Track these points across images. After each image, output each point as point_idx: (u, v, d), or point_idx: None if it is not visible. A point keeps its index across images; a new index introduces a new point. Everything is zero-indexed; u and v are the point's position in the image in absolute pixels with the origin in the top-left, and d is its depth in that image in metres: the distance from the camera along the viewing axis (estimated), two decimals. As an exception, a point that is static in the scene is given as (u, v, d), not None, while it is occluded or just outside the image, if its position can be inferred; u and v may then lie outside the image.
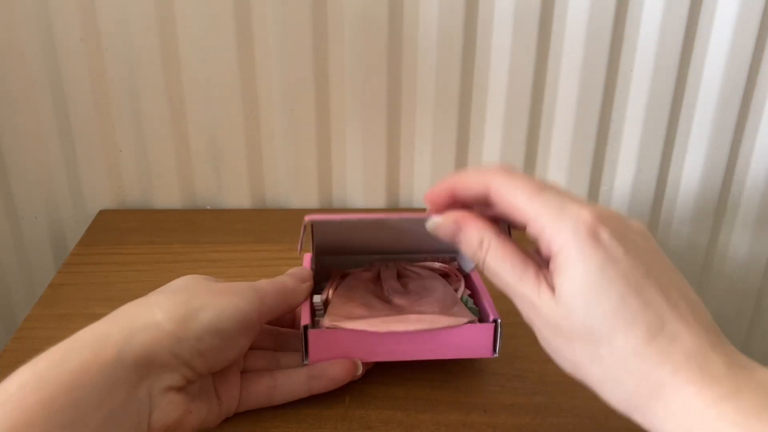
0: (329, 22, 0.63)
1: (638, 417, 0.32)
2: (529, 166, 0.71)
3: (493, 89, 0.67)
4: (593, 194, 0.73)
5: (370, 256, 0.50)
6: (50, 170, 0.69)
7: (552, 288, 0.34)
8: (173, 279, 0.58)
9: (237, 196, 0.71)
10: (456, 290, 0.48)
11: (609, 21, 0.64)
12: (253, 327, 0.39)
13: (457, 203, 0.38)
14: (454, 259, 0.52)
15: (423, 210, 0.40)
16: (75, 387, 0.31)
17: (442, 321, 0.42)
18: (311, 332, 0.42)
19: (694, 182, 0.72)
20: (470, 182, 0.37)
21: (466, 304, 0.46)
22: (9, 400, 0.29)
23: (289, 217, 0.70)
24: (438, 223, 0.37)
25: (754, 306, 0.77)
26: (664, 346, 0.32)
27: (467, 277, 0.50)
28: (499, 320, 0.43)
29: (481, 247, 0.36)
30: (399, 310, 0.44)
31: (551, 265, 0.35)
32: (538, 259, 0.36)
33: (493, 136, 0.69)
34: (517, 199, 0.35)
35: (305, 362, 0.43)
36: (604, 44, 0.65)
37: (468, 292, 0.48)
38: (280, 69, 0.65)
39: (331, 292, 0.47)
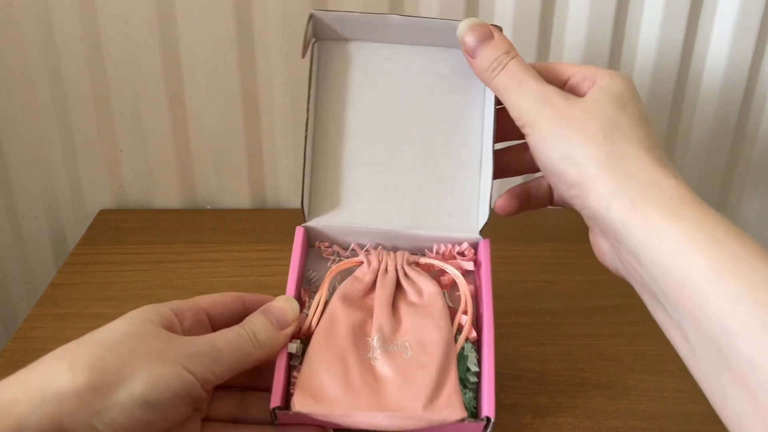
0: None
1: (617, 192, 0.33)
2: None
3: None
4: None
5: (371, 229, 0.45)
6: (50, 170, 0.69)
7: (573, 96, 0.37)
8: (173, 279, 0.58)
9: (237, 196, 0.71)
10: (459, 328, 0.41)
11: (609, 21, 0.64)
12: (197, 395, 0.34)
13: None
14: (472, 249, 0.45)
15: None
16: None
17: (422, 422, 0.36)
18: (281, 415, 0.37)
19: (697, 179, 0.72)
20: (537, 66, 0.39)
21: (465, 361, 0.40)
22: None
23: (289, 216, 0.69)
24: (474, 23, 0.38)
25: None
26: (665, 161, 0.36)
27: (477, 290, 0.44)
28: (492, 419, 0.37)
29: (508, 54, 0.37)
30: (378, 389, 0.38)
31: (584, 91, 0.37)
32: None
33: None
34: (573, 65, 0.39)
35: (276, 421, 0.38)
36: (605, 44, 0.65)
37: (473, 335, 0.41)
38: (280, 69, 0.65)
39: (314, 321, 0.40)
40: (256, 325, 0.37)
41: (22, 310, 0.74)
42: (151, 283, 0.57)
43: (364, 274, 0.43)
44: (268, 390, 0.37)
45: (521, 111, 0.36)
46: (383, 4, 0.63)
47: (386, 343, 0.39)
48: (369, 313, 0.41)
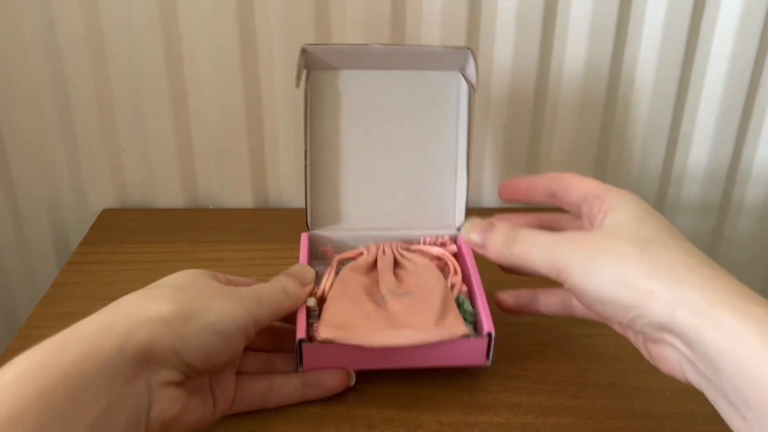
0: (332, 21, 0.64)
1: (678, 300, 0.32)
2: (531, 166, 0.71)
3: (495, 91, 0.67)
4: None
5: (365, 232, 0.53)
6: (53, 170, 0.69)
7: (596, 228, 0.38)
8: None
9: (239, 196, 0.71)
10: (453, 286, 0.48)
11: (612, 21, 0.64)
12: (250, 333, 0.39)
13: (529, 193, 0.44)
14: (452, 241, 0.53)
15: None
16: (72, 378, 0.30)
17: (435, 335, 0.42)
18: (305, 346, 0.43)
19: (697, 180, 0.72)
20: (546, 176, 0.43)
21: (462, 305, 0.46)
22: (4, 389, 0.29)
23: (292, 216, 0.70)
24: (474, 222, 0.41)
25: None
26: (709, 260, 0.34)
27: (463, 264, 0.51)
28: (493, 334, 0.43)
29: (513, 229, 0.39)
30: (393, 319, 0.44)
31: (603, 213, 0.38)
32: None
33: (495, 138, 0.69)
34: (584, 181, 0.41)
35: (300, 369, 0.44)
36: (607, 44, 0.65)
37: (465, 288, 0.48)
38: (282, 68, 0.65)
39: (327, 287, 0.47)
40: (282, 281, 0.44)
41: (25, 309, 0.74)
42: (153, 282, 0.57)
43: (365, 257, 0.50)
44: (291, 351, 0.44)
45: (550, 262, 0.36)
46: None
47: (393, 293, 0.46)
48: (374, 280, 0.48)
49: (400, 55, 0.51)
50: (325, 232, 0.53)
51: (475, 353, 0.44)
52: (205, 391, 0.39)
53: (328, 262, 0.52)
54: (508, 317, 0.49)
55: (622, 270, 0.34)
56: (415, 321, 0.43)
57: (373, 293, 0.47)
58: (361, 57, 0.51)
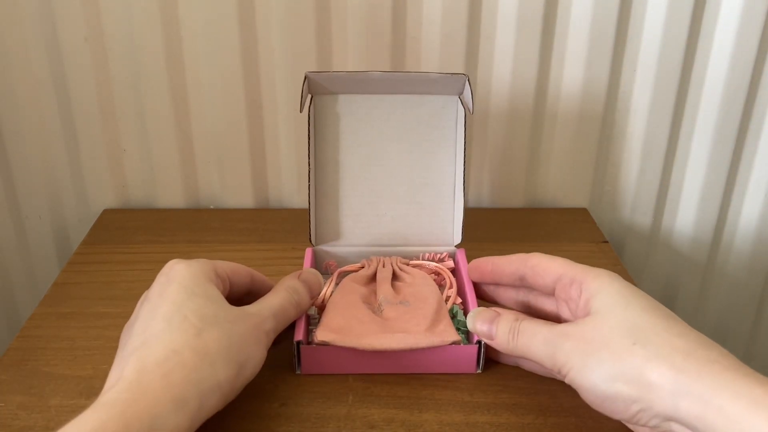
0: (332, 21, 0.64)
1: (680, 391, 0.32)
2: (531, 174, 0.71)
3: (496, 90, 0.67)
4: (596, 190, 0.73)
5: (367, 248, 0.56)
6: (54, 169, 0.69)
7: (584, 316, 0.38)
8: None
9: (240, 196, 0.71)
10: (448, 298, 0.50)
11: (612, 22, 0.64)
12: None
13: (494, 275, 0.46)
14: (449, 257, 0.56)
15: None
16: None
17: (426, 341, 0.44)
18: (303, 348, 0.45)
19: (699, 178, 0.72)
20: (512, 259, 0.44)
21: (455, 316, 0.48)
22: None
23: (292, 216, 0.70)
24: (478, 312, 0.44)
25: (756, 307, 0.77)
26: (701, 338, 0.35)
27: (458, 278, 0.53)
28: (482, 342, 0.45)
29: (517, 320, 0.41)
30: (387, 324, 0.46)
31: (584, 300, 0.39)
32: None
33: (496, 139, 0.69)
34: (554, 263, 0.42)
35: (297, 371, 0.46)
36: (608, 45, 0.65)
37: (459, 300, 0.50)
38: (283, 68, 0.65)
39: (327, 295, 0.49)
40: (300, 292, 0.45)
41: (26, 309, 0.74)
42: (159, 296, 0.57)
43: (365, 270, 0.52)
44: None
45: (551, 358, 0.38)
46: (386, 4, 0.63)
47: (389, 302, 0.48)
48: (373, 291, 0.50)
49: (399, 81, 0.53)
50: (328, 248, 0.56)
51: (465, 361, 0.46)
52: None
53: (331, 270, 0.55)
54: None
55: (619, 365, 0.34)
56: (408, 327, 0.45)
57: (371, 302, 0.49)
58: (361, 83, 0.53)
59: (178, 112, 0.67)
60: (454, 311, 0.49)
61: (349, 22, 0.64)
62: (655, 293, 0.77)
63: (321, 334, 0.44)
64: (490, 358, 0.47)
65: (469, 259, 0.54)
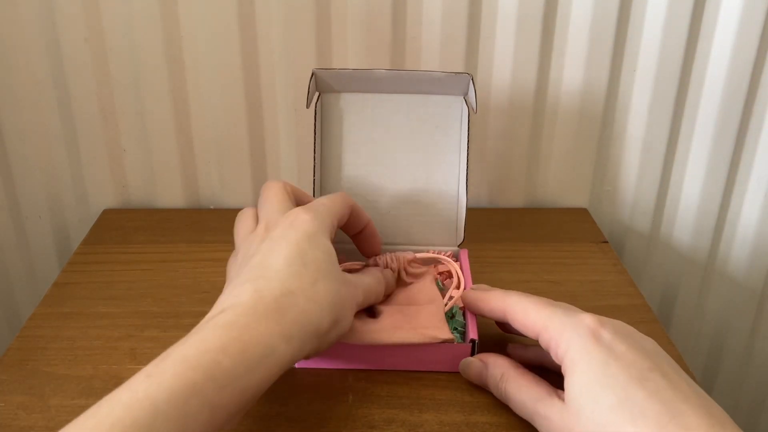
0: (332, 20, 0.64)
1: None
2: (531, 174, 0.71)
3: (496, 89, 0.67)
4: (596, 190, 0.73)
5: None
6: (54, 169, 0.69)
7: (563, 397, 0.37)
8: (177, 278, 0.59)
9: (240, 196, 0.71)
10: (451, 298, 0.50)
11: (612, 22, 0.64)
12: None
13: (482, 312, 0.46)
14: (453, 257, 0.55)
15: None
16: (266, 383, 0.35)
17: (417, 337, 0.45)
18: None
19: (697, 184, 0.72)
20: (491, 304, 0.45)
21: (454, 316, 0.48)
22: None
23: (293, 216, 0.70)
24: (469, 361, 0.45)
25: (756, 307, 0.77)
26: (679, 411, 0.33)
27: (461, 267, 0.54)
28: (476, 340, 0.45)
29: (503, 380, 0.42)
30: (383, 324, 0.46)
31: (562, 371, 0.38)
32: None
33: (496, 139, 0.69)
34: (528, 317, 0.41)
35: (294, 365, 0.46)
36: (607, 45, 0.65)
37: (461, 304, 0.50)
38: (283, 68, 0.65)
39: None
40: (383, 285, 0.48)
41: (26, 309, 0.74)
42: (154, 282, 0.57)
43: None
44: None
45: (522, 412, 0.41)
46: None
47: (389, 308, 0.48)
48: None
49: (404, 79, 0.54)
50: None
51: (459, 359, 0.46)
52: None
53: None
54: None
55: None
56: (402, 325, 0.46)
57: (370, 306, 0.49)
58: (366, 81, 0.54)
59: (178, 112, 0.67)
60: (453, 311, 0.49)
61: (349, 22, 0.64)
62: (655, 293, 0.77)
63: None
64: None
65: (471, 258, 0.55)
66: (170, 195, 0.71)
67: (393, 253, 0.52)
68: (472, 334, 0.46)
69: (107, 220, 0.69)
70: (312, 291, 0.38)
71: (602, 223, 0.73)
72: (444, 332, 0.45)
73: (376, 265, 0.51)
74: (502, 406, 0.44)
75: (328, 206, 0.44)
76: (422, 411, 0.43)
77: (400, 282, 0.51)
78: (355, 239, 0.51)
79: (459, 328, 0.48)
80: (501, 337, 0.48)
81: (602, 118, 0.69)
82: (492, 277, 0.57)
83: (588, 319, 0.38)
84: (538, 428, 0.39)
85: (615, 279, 0.59)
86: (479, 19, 0.64)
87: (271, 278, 0.38)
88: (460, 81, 0.53)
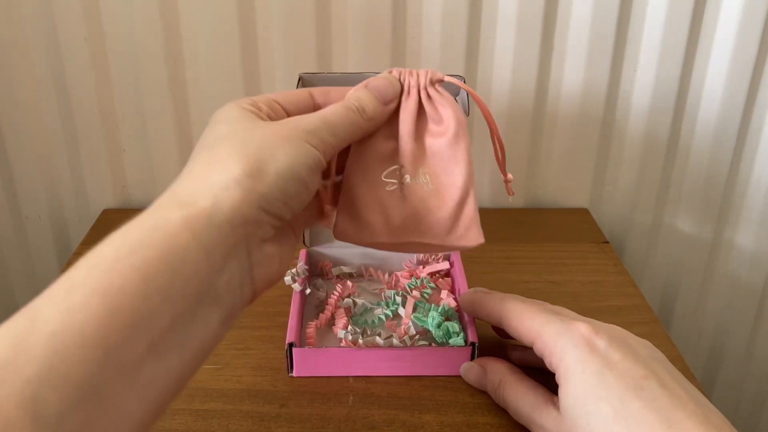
0: (332, 21, 0.63)
1: None
2: (531, 174, 0.71)
3: (496, 90, 0.67)
4: (596, 190, 0.73)
5: (362, 250, 0.53)
6: (54, 169, 0.69)
7: (558, 406, 0.37)
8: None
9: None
10: (440, 301, 0.49)
11: (612, 22, 0.64)
12: (323, 167, 0.36)
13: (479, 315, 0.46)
14: (445, 260, 0.55)
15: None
16: (170, 253, 0.28)
17: (445, 247, 0.40)
18: (296, 350, 0.45)
19: (699, 178, 0.71)
20: (488, 309, 0.44)
21: (449, 330, 0.48)
22: (102, 262, 0.28)
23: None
24: (469, 366, 0.45)
25: (757, 307, 0.77)
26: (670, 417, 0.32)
27: (454, 280, 0.53)
28: (476, 343, 0.46)
29: (501, 386, 0.42)
30: (407, 216, 0.40)
31: (556, 380, 0.37)
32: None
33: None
34: (523, 323, 0.40)
35: (290, 374, 0.46)
36: (608, 45, 0.65)
37: (456, 306, 0.50)
38: (283, 68, 0.65)
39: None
40: (362, 99, 0.38)
41: (26, 309, 0.74)
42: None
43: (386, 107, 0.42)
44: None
45: (519, 419, 0.41)
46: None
47: (410, 175, 0.40)
48: (393, 136, 0.40)
49: None
50: (322, 249, 0.56)
51: (459, 362, 0.46)
52: (289, 233, 0.37)
53: (326, 277, 0.56)
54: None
55: None
56: (427, 225, 0.40)
57: (393, 159, 0.40)
58: (355, 85, 0.52)
59: (177, 111, 0.67)
60: (446, 310, 0.49)
61: (349, 22, 0.63)
62: (655, 293, 0.77)
63: (341, 226, 0.40)
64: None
65: (464, 261, 0.55)
66: (170, 195, 0.71)
67: (416, 69, 0.41)
68: (472, 337, 0.46)
69: (107, 220, 0.69)
70: (209, 155, 0.34)
71: (603, 223, 0.73)
72: (474, 236, 0.40)
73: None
74: (502, 408, 0.44)
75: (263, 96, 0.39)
76: (423, 412, 0.43)
77: (420, 109, 0.41)
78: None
79: (458, 333, 0.48)
80: (500, 339, 0.48)
81: (603, 119, 0.69)
82: (492, 277, 0.57)
83: (583, 328, 0.38)
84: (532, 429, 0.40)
85: (615, 279, 0.59)
86: (479, 19, 0.64)
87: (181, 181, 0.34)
88: (453, 83, 0.53)
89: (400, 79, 0.40)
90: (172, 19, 0.63)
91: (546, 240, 0.65)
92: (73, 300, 0.27)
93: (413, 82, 0.40)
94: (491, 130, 0.42)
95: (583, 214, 0.72)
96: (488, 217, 0.71)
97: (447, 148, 0.40)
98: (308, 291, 0.52)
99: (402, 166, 0.40)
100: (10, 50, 0.63)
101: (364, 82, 0.39)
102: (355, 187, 0.40)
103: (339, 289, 0.52)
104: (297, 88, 0.50)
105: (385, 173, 0.40)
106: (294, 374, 0.46)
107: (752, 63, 0.66)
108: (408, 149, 0.40)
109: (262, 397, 0.44)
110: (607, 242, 0.65)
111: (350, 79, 0.51)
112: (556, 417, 0.37)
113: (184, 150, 0.69)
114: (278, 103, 0.38)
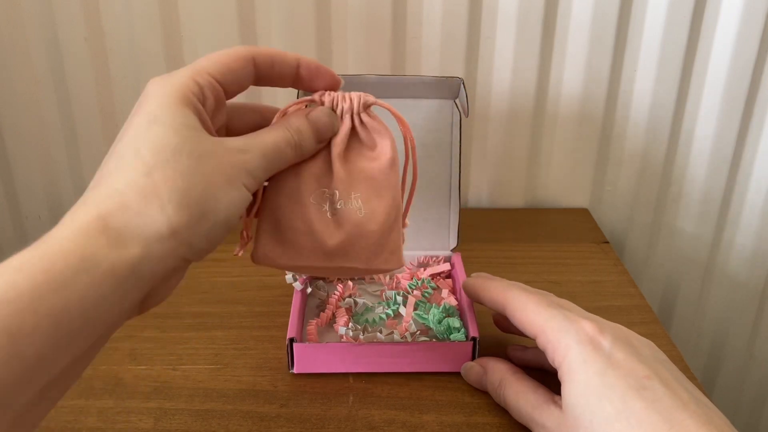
0: (332, 21, 0.63)
1: None
2: (531, 174, 0.71)
3: (496, 90, 0.67)
4: (596, 190, 0.73)
5: None
6: (54, 169, 0.69)
7: (560, 405, 0.37)
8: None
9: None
10: (442, 299, 0.50)
11: (612, 22, 0.64)
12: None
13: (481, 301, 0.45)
14: (446, 261, 0.55)
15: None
16: (89, 300, 0.27)
17: (367, 271, 0.40)
18: (297, 346, 0.45)
19: (699, 178, 0.71)
20: (492, 296, 0.43)
21: (449, 326, 0.48)
22: (18, 299, 0.26)
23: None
24: (469, 366, 0.45)
25: (757, 307, 0.77)
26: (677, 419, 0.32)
27: (455, 280, 0.54)
28: (477, 338, 0.46)
29: (501, 385, 0.42)
30: (334, 241, 0.38)
31: (559, 377, 0.37)
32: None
33: (496, 139, 0.69)
34: (527, 316, 0.40)
35: (291, 370, 0.46)
36: (608, 46, 0.65)
37: (457, 305, 0.50)
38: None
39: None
40: (303, 134, 0.37)
41: (26, 309, 0.74)
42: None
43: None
44: None
45: (520, 418, 0.41)
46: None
47: (343, 200, 0.39)
48: (323, 158, 0.39)
49: (394, 84, 0.53)
50: None
51: (459, 358, 0.46)
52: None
53: (327, 278, 0.55)
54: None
55: None
56: (357, 250, 0.39)
57: (321, 182, 0.39)
58: (357, 87, 0.52)
59: (178, 112, 0.67)
60: (450, 311, 0.49)
61: (349, 23, 0.63)
62: (655, 293, 0.77)
63: (263, 249, 0.39)
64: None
65: (465, 261, 0.55)
66: (170, 195, 0.71)
67: (349, 93, 0.40)
68: (473, 332, 0.46)
69: (107, 220, 0.68)
70: (147, 182, 0.30)
71: (603, 223, 0.73)
72: (394, 261, 0.39)
73: (322, 103, 0.40)
74: (502, 408, 0.44)
75: (192, 64, 0.36)
76: (423, 412, 0.43)
77: (353, 133, 0.40)
78: (298, 88, 0.40)
79: (459, 329, 0.48)
80: (501, 336, 0.48)
81: (603, 119, 0.69)
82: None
83: (588, 326, 0.37)
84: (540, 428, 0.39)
85: (615, 279, 0.59)
86: (479, 19, 0.64)
87: (101, 184, 0.31)
88: (451, 85, 0.53)
89: (333, 106, 0.40)
90: (172, 19, 0.63)
91: (546, 240, 0.65)
92: None
93: (347, 107, 0.40)
94: (414, 164, 0.42)
95: (583, 214, 0.72)
96: (488, 217, 0.71)
97: (380, 173, 0.39)
98: (309, 290, 0.52)
99: (335, 191, 0.39)
100: (10, 50, 0.63)
101: (310, 116, 0.38)
102: (281, 209, 0.38)
103: (340, 289, 0.52)
104: (298, 90, 0.49)
105: (313, 196, 0.38)
106: (294, 371, 0.46)
107: (752, 63, 0.66)
108: (341, 174, 0.39)
109: (262, 397, 0.44)
110: (607, 242, 0.65)
111: (350, 82, 0.52)
112: (558, 415, 0.37)
113: (184, 150, 0.69)
114: (219, 83, 0.36)
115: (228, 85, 0.36)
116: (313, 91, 0.40)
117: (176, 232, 0.30)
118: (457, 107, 0.54)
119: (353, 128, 0.40)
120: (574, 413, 0.35)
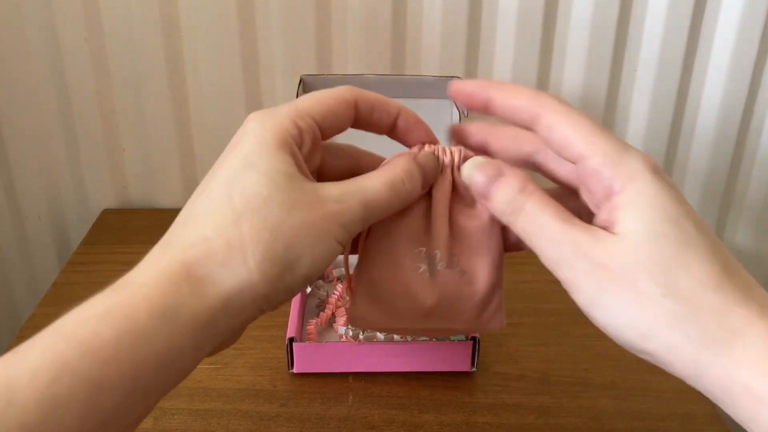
0: (332, 22, 0.63)
1: (705, 361, 0.28)
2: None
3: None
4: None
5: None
6: (54, 169, 0.69)
7: (606, 228, 0.31)
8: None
9: (240, 196, 0.71)
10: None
11: (612, 22, 0.64)
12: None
13: (488, 111, 0.34)
14: None
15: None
16: (168, 353, 0.27)
17: (468, 331, 0.39)
18: (296, 345, 0.45)
19: (699, 177, 0.71)
20: (518, 101, 0.33)
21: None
22: (100, 350, 0.26)
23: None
24: (480, 162, 0.34)
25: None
26: (742, 286, 0.30)
27: None
28: (477, 338, 0.45)
29: (523, 192, 0.32)
30: (434, 302, 0.36)
31: (610, 204, 0.31)
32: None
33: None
34: (577, 133, 0.32)
35: (291, 370, 0.46)
36: (608, 45, 0.65)
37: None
38: (283, 69, 0.65)
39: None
40: (413, 175, 0.34)
41: (26, 309, 0.74)
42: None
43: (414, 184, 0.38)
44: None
45: (554, 265, 0.31)
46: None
47: (445, 261, 0.36)
48: (422, 214, 0.37)
49: (394, 84, 0.53)
50: None
51: (460, 358, 0.46)
52: None
53: (327, 279, 0.55)
54: (511, 317, 0.49)
55: (639, 315, 0.29)
56: (456, 311, 0.37)
57: (420, 239, 0.36)
58: (357, 87, 0.52)
59: (177, 111, 0.67)
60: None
61: (349, 23, 0.63)
62: (656, 293, 0.77)
63: (360, 311, 0.36)
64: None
65: None
66: (170, 195, 0.71)
67: (449, 147, 0.37)
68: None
69: (107, 220, 0.69)
70: (233, 232, 0.29)
71: (602, 223, 0.73)
72: (498, 320, 0.37)
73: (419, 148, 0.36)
74: (502, 407, 0.44)
75: (294, 103, 0.34)
76: (422, 411, 0.43)
77: (453, 190, 0.36)
78: (393, 138, 0.37)
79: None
80: (502, 336, 0.48)
81: (602, 119, 0.69)
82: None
83: (648, 156, 0.32)
84: (558, 262, 0.31)
85: (615, 279, 0.59)
86: (479, 19, 0.64)
87: (189, 226, 0.31)
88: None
89: (436, 153, 0.36)
90: (172, 19, 0.63)
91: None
92: (59, 390, 0.25)
93: (447, 161, 0.36)
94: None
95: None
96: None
97: (481, 233, 0.36)
98: (309, 290, 0.52)
99: (435, 251, 0.36)
100: (10, 50, 0.63)
101: (418, 159, 0.35)
102: (376, 268, 0.36)
103: (340, 290, 0.52)
104: (297, 90, 0.50)
105: (410, 256, 0.36)
106: (294, 370, 0.46)
107: (752, 63, 0.66)
108: (443, 233, 0.36)
109: (261, 397, 0.44)
110: (607, 242, 0.65)
111: (350, 82, 0.52)
112: (606, 236, 0.30)
113: (184, 149, 0.69)
114: (318, 125, 0.34)
115: (327, 128, 0.34)
116: (407, 144, 0.37)
117: (256, 287, 0.29)
118: (457, 107, 0.54)
119: (453, 184, 0.36)
120: (631, 240, 0.30)
